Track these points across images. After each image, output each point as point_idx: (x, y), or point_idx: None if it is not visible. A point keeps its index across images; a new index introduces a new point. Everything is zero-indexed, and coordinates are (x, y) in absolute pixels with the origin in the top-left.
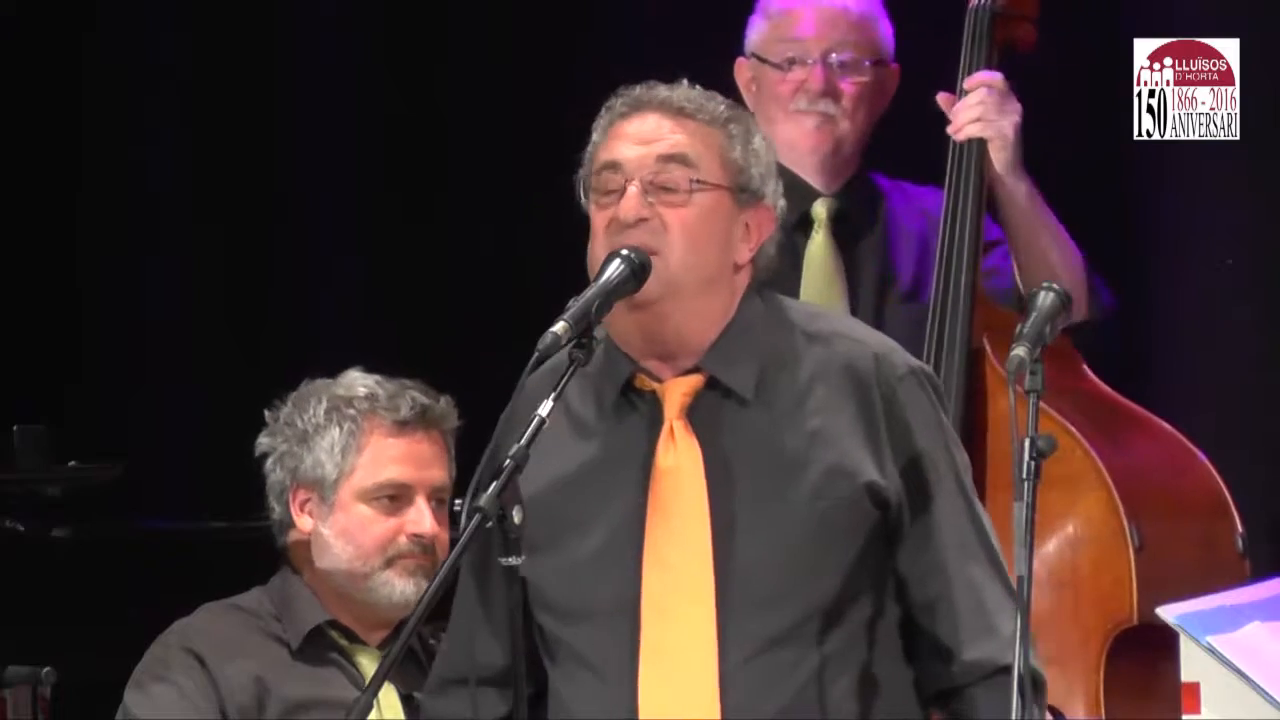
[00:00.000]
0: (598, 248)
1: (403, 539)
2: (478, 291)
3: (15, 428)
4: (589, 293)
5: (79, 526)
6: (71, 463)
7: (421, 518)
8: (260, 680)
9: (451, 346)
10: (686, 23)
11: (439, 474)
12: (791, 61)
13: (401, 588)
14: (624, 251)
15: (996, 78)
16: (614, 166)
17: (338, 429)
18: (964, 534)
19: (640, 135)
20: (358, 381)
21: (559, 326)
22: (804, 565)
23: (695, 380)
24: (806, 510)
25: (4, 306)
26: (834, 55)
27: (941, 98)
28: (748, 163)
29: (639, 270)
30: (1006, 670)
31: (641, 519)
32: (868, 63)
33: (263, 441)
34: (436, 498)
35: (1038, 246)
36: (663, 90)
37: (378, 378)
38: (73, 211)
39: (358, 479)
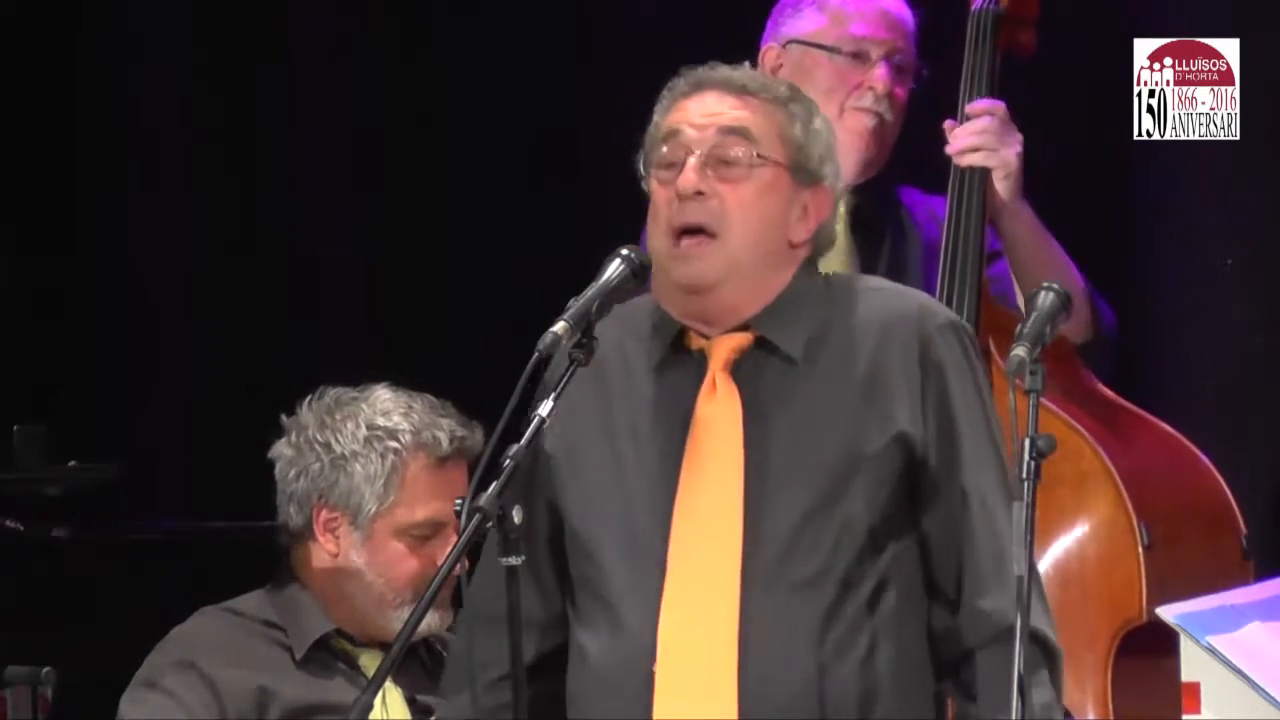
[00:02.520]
0: (659, 219)
1: (431, 572)
2: (478, 292)
3: (15, 428)
4: (589, 292)
5: (79, 526)
6: (71, 463)
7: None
8: (263, 689)
9: (451, 347)
10: (688, 22)
11: None
12: (857, 55)
13: (427, 620)
14: (624, 251)
15: (999, 105)
16: (676, 137)
17: (379, 461)
18: (992, 485)
19: (703, 110)
20: (394, 409)
21: (559, 326)
22: (831, 515)
23: (744, 338)
24: (838, 461)
25: (3, 306)
26: (897, 57)
27: (947, 125)
28: (808, 142)
29: (639, 270)
30: (1014, 631)
31: (677, 465)
32: (918, 70)
33: (285, 453)
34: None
35: (1040, 272)
36: (725, 69)
37: (408, 399)
38: (70, 209)
39: (397, 516)
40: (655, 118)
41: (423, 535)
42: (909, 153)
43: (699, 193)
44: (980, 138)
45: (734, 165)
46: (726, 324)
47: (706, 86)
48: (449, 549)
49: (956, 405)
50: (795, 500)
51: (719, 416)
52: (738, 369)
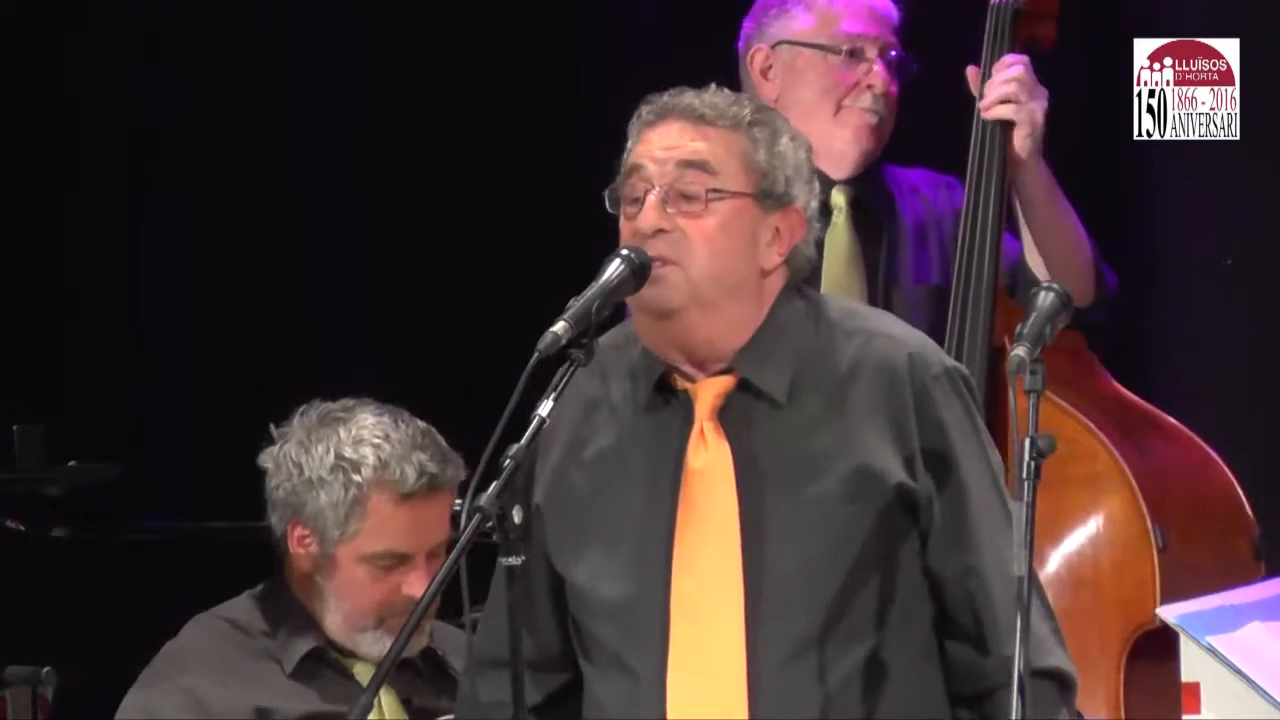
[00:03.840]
0: None
1: (397, 599)
2: (477, 292)
3: (15, 428)
4: (589, 292)
5: (79, 526)
6: (71, 463)
7: (418, 582)
8: (260, 710)
9: (450, 347)
10: (687, 22)
11: (440, 535)
12: (853, 54)
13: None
14: (624, 251)
15: (1025, 59)
16: (638, 172)
17: (342, 491)
18: (1000, 534)
19: (663, 142)
20: (367, 439)
21: (559, 326)
22: (833, 568)
23: (727, 381)
24: (835, 513)
25: (4, 306)
26: (892, 53)
27: (970, 72)
28: (772, 166)
29: (639, 270)
30: (1041, 674)
31: (671, 520)
32: (908, 64)
33: (267, 464)
34: (436, 553)
35: (1054, 229)
36: (688, 96)
37: (388, 427)
38: (71, 211)
39: (358, 544)
40: (628, 144)
41: (385, 565)
42: (917, 138)
43: (660, 229)
44: (1009, 86)
45: (693, 200)
46: (708, 360)
47: (669, 116)
48: (418, 580)
49: (959, 460)
50: (794, 553)
51: (710, 468)
52: (724, 415)
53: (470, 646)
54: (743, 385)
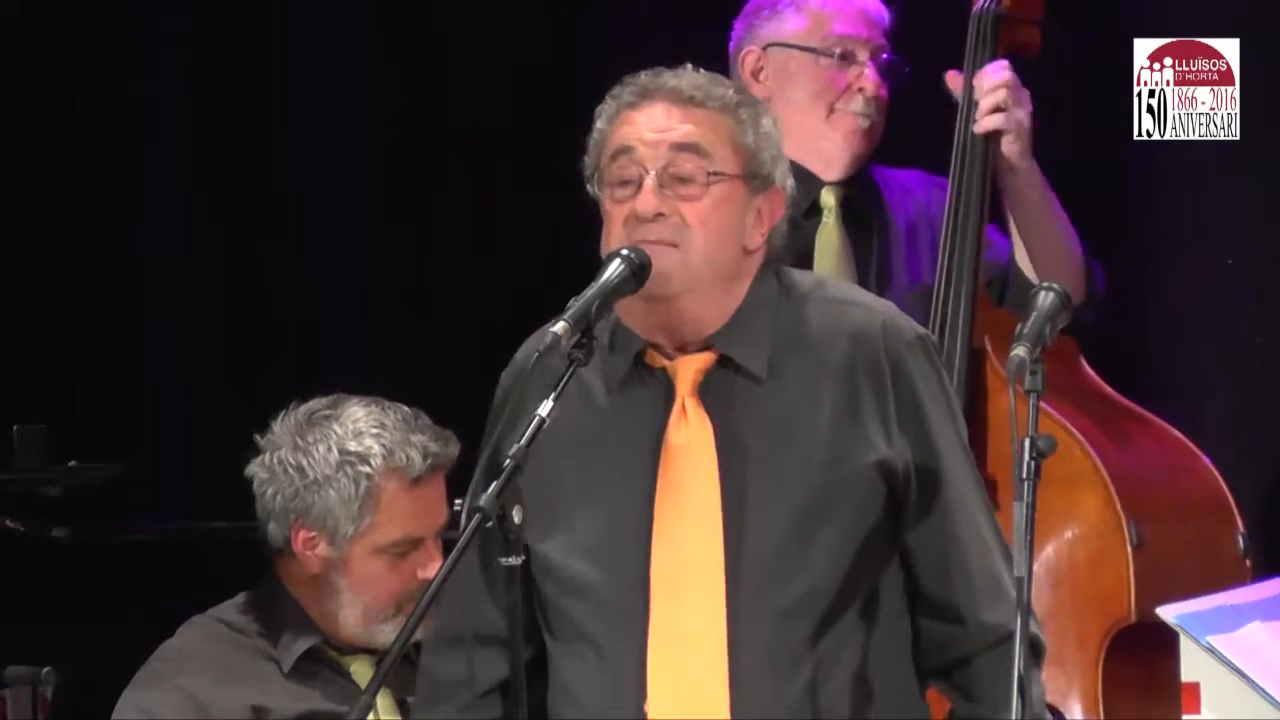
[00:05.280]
0: (614, 240)
1: (414, 585)
2: (477, 291)
3: (15, 428)
4: (589, 292)
5: (79, 526)
6: (71, 463)
7: (432, 562)
8: (256, 709)
9: (450, 347)
10: (687, 22)
11: (445, 512)
12: (844, 56)
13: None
14: (624, 251)
15: (1006, 65)
16: (627, 154)
17: (352, 485)
18: (972, 499)
19: (651, 124)
20: (366, 430)
21: (559, 326)
22: (813, 538)
23: (707, 358)
24: (815, 483)
25: (4, 306)
26: (883, 56)
27: (950, 76)
28: (759, 147)
29: (639, 270)
30: (1013, 636)
31: (651, 496)
32: (898, 66)
33: (260, 474)
34: (439, 534)
35: (1045, 230)
36: (670, 78)
37: (380, 415)
38: (72, 211)
39: (374, 536)
40: (599, 124)
41: (401, 552)
42: (904, 139)
43: (659, 213)
44: (998, 94)
45: (689, 183)
46: (690, 339)
47: (654, 97)
48: (430, 560)
49: (933, 426)
50: (774, 527)
51: (692, 444)
52: (705, 391)
53: (435, 617)
54: (723, 361)
